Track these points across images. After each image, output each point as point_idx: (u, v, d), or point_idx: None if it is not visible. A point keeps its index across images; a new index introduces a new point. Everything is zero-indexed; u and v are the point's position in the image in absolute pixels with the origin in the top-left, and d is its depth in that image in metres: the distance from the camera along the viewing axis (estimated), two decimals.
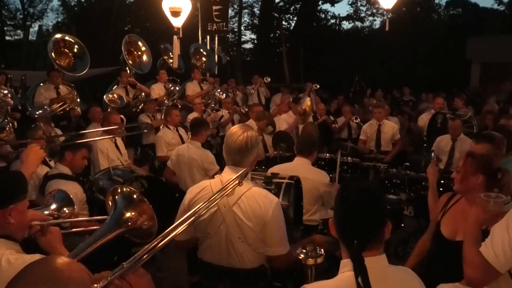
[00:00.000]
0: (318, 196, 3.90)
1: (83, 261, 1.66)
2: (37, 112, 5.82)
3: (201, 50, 10.58)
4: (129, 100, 8.25)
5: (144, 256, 1.48)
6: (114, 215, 2.08)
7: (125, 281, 1.41)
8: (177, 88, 8.41)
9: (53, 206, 2.43)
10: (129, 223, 2.09)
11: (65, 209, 2.45)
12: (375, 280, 1.43)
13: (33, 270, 1.20)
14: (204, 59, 10.43)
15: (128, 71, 8.79)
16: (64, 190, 2.59)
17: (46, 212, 2.37)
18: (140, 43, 9.23)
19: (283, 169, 3.87)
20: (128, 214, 2.10)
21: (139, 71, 9.00)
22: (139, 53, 9.21)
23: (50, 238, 2.10)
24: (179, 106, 8.25)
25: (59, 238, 2.14)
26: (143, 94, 8.60)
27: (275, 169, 3.98)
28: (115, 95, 7.51)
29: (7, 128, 4.88)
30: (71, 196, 3.42)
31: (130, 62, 8.78)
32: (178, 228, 1.77)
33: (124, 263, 1.43)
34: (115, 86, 8.64)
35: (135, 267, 1.44)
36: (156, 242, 1.60)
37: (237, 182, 2.32)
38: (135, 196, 2.18)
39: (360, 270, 1.44)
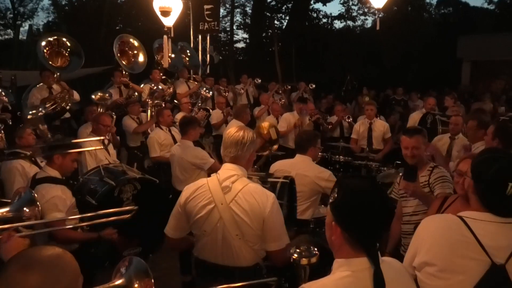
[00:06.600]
0: (316, 192, 3.82)
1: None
2: (30, 112, 5.69)
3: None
4: (122, 100, 8.13)
5: None
6: None
7: None
8: (160, 87, 8.16)
9: (13, 207, 2.36)
10: None
11: (25, 208, 2.36)
12: None
13: (33, 253, 1.30)
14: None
15: (123, 72, 8.65)
16: (31, 191, 2.51)
17: (3, 211, 2.31)
18: (134, 42, 9.05)
19: (282, 165, 3.94)
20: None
21: (132, 71, 8.83)
22: (134, 52, 9.03)
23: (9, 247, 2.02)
24: (164, 105, 8.11)
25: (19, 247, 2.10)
26: (136, 93, 8.51)
27: (275, 165, 4.00)
28: (99, 94, 7.21)
29: None
30: (61, 200, 3.36)
31: (124, 62, 8.64)
32: None
33: None
34: (110, 87, 8.54)
35: None
36: None
37: None
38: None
39: (378, 274, 1.42)
